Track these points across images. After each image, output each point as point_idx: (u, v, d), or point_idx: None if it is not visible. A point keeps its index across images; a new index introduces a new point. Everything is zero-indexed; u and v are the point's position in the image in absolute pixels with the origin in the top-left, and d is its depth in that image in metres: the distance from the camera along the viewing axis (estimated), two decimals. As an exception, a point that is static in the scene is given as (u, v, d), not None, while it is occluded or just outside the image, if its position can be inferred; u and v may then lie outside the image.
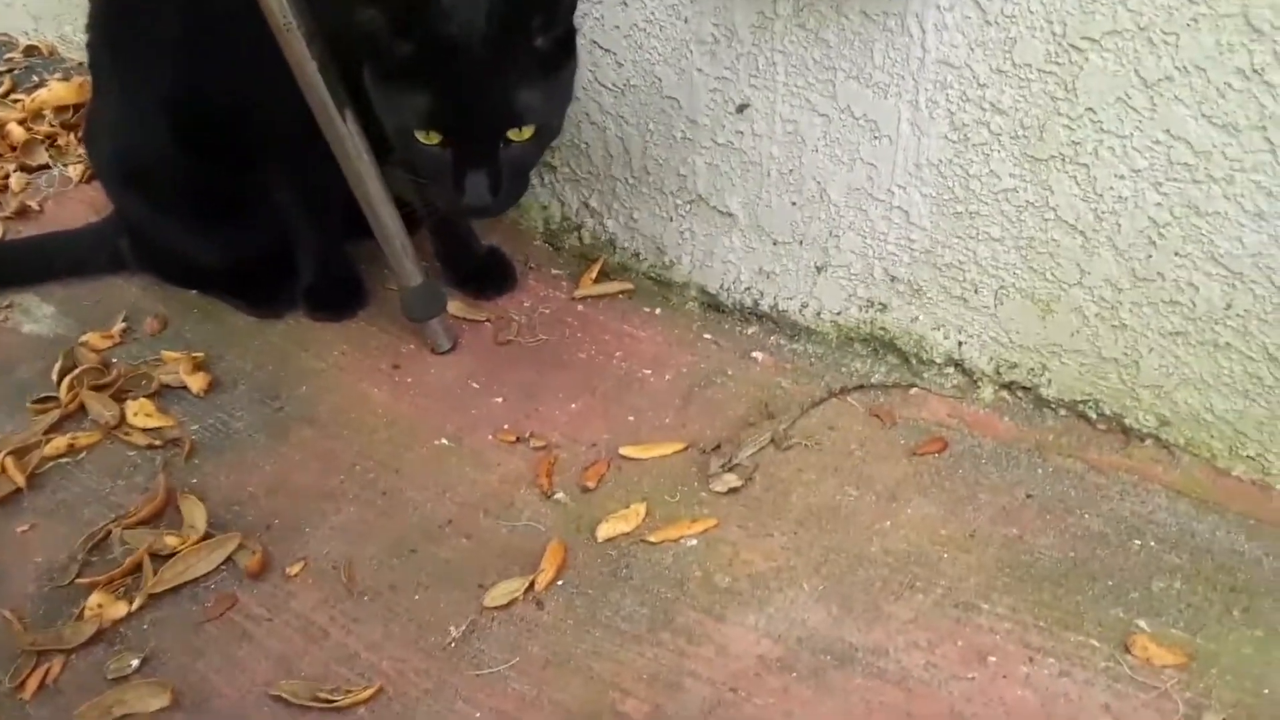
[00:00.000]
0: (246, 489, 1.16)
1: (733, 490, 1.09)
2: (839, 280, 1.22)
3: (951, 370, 1.17)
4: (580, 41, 1.15)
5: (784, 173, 1.19)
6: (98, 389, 1.29)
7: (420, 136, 1.04)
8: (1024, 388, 1.13)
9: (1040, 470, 1.07)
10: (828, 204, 1.18)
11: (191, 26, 1.20)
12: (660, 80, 1.25)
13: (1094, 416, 1.09)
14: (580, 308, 1.37)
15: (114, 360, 1.36)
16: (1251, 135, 0.90)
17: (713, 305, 1.34)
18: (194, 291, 1.46)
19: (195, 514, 1.11)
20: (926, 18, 1.02)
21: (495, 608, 1.00)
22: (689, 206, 1.31)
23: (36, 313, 1.47)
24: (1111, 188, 0.99)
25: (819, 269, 1.23)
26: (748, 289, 1.30)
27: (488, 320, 1.36)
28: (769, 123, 1.18)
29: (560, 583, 1.02)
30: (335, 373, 1.31)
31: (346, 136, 1.14)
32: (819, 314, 1.25)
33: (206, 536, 1.09)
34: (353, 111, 1.13)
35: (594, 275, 1.41)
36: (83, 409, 1.28)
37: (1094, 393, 1.09)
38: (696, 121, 1.24)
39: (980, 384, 1.15)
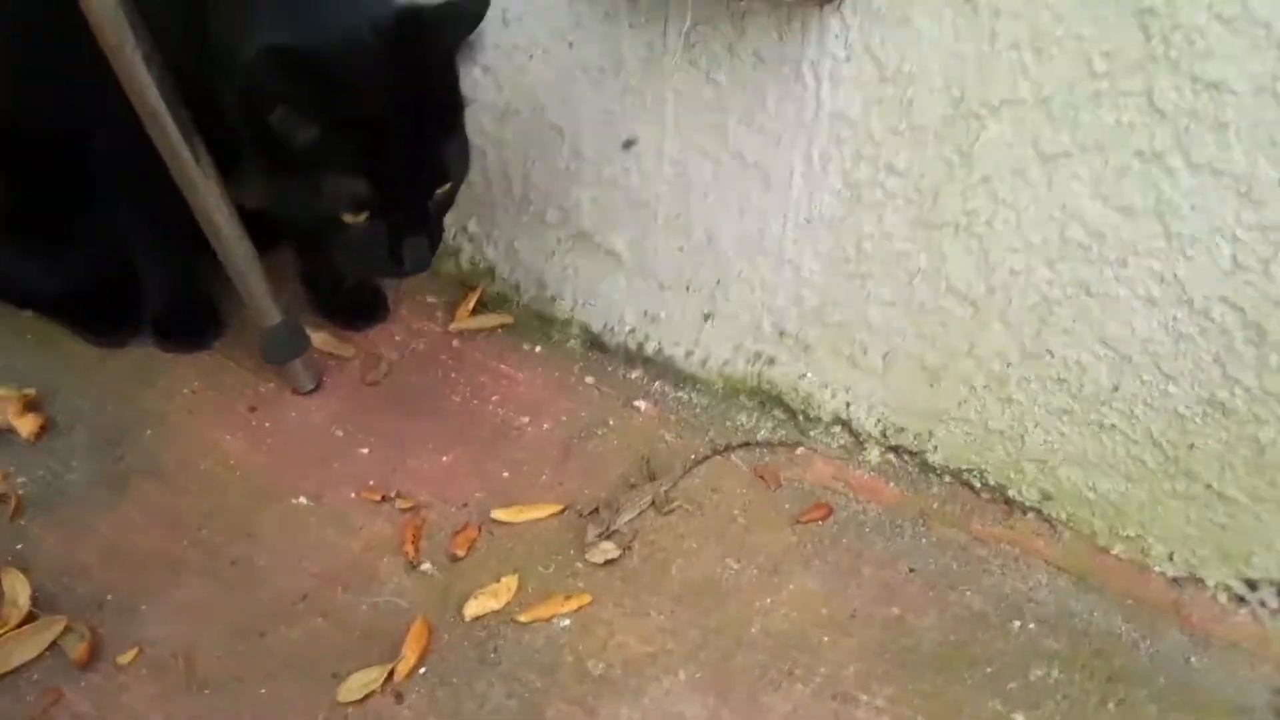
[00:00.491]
0: (78, 557, 1.05)
1: (610, 561, 1.04)
2: (726, 330, 1.16)
3: (838, 430, 1.13)
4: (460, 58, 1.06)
5: (671, 216, 1.13)
6: (-90, 432, 1.16)
7: (348, 218, 0.96)
8: (910, 452, 1.10)
9: (924, 540, 1.05)
10: (716, 251, 1.12)
11: (11, 41, 1.07)
12: (544, 106, 1.17)
13: (978, 486, 1.07)
14: (455, 343, 1.29)
15: (-66, 394, 1.23)
16: (1147, 219, 0.87)
17: (596, 345, 1.27)
18: (28, 312, 1.33)
19: (18, 589, 1.01)
20: (822, 67, 0.96)
21: (350, 703, 0.93)
22: (572, 241, 1.23)
23: None
24: (1004, 260, 0.95)
25: (706, 316, 1.17)
26: (632, 331, 1.24)
27: (355, 357, 1.27)
28: (656, 162, 1.11)
29: (423, 670, 0.96)
30: (184, 415, 1.20)
31: (192, 167, 1.04)
32: (705, 363, 1.20)
33: (30, 617, 0.98)
34: (198, 139, 1.02)
35: (471, 306, 1.32)
36: (-110, 457, 1.15)
37: (979, 462, 1.06)
38: (581, 153, 1.16)
39: (866, 446, 1.11)
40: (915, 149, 0.95)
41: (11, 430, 1.18)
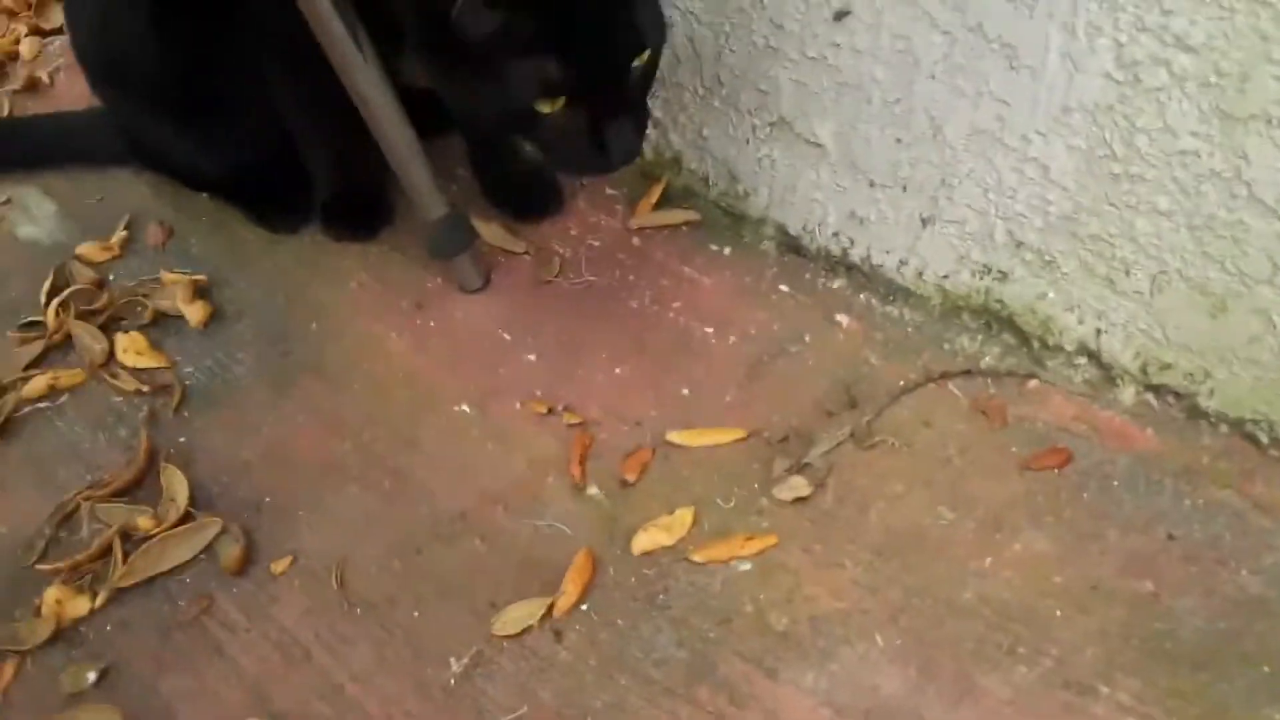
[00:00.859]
0: (239, 456, 1.01)
1: (800, 500, 0.90)
2: (949, 237, 0.98)
3: (1084, 362, 0.94)
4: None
5: (889, 101, 0.95)
6: (87, 316, 1.15)
7: (542, 108, 0.84)
8: (1176, 394, 0.90)
9: (1188, 502, 0.86)
10: (942, 145, 0.93)
11: None
12: (744, -31, 1.00)
13: (1265, 441, 0.87)
14: (636, 241, 1.16)
15: (110, 278, 1.21)
16: None
17: (793, 248, 1.11)
18: (204, 195, 1.29)
19: (177, 486, 0.97)
20: (1100, -94, 0.75)
21: (506, 636, 0.85)
22: (769, 130, 1.07)
23: (36, 212, 1.32)
24: (1335, 160, 0.73)
25: (925, 221, 0.99)
26: (836, 234, 1.07)
27: (526, 253, 1.16)
28: (874, 35, 0.93)
29: (585, 607, 0.86)
30: (350, 310, 1.13)
31: (346, 43, 0.93)
32: (921, 274, 1.02)
33: (186, 516, 0.95)
34: (352, 12, 0.91)
35: (654, 200, 1.19)
36: (69, 339, 1.13)
37: (1269, 412, 0.85)
38: (783, 27, 0.99)
39: (1120, 383, 0.92)
40: (1218, 18, 0.73)
41: (181, 316, 1.14)
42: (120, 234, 1.26)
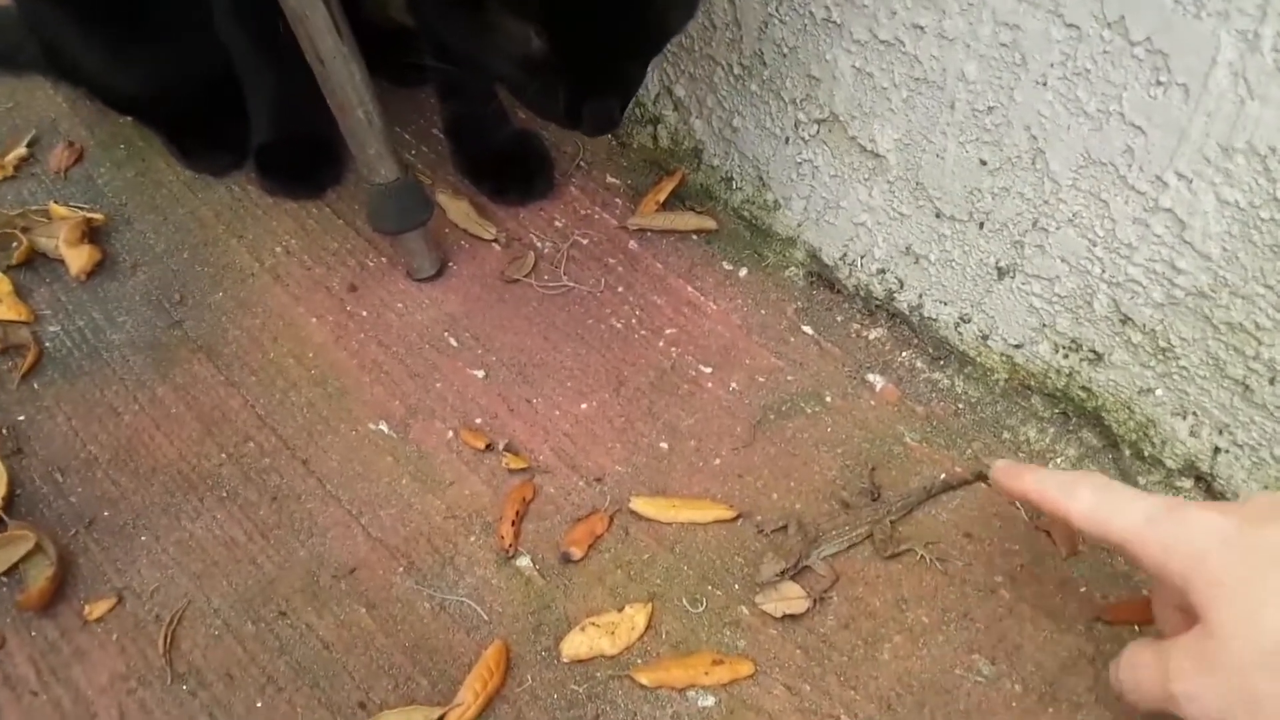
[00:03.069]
0: (85, 448, 0.79)
1: (791, 617, 0.68)
2: (1031, 296, 0.76)
3: (1189, 485, 0.72)
4: None
5: (978, 109, 0.72)
6: (-53, 244, 0.92)
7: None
8: (1312, 548, 0.67)
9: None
10: (1042, 175, 0.71)
11: None
12: (809, -83, 0.77)
13: None
14: (633, 244, 0.93)
15: (-8, 201, 0.99)
16: None
17: (825, 281, 0.89)
18: (129, 120, 1.07)
19: (-5, 479, 0.74)
20: None
21: (371, 756, 0.62)
22: (816, 128, 0.84)
23: (-72, 112, 1.10)
24: None
25: (1002, 271, 0.77)
26: (882, 271, 0.85)
27: (495, 241, 0.94)
28: (971, 21, 0.70)
29: (485, 728, 0.64)
30: (267, 279, 0.91)
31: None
32: (986, 338, 0.80)
33: (-3, 522, 0.72)
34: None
35: (662, 197, 0.96)
36: (-81, 270, 0.91)
37: None
38: (852, -3, 0.76)
39: (1235, 521, 0.69)
40: None
41: (61, 261, 0.92)
42: (19, 151, 1.04)
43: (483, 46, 0.67)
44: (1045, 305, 0.75)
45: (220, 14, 0.88)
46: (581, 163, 1.01)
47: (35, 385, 0.83)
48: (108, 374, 0.84)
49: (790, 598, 0.69)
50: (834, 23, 0.78)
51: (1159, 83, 0.63)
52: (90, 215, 0.95)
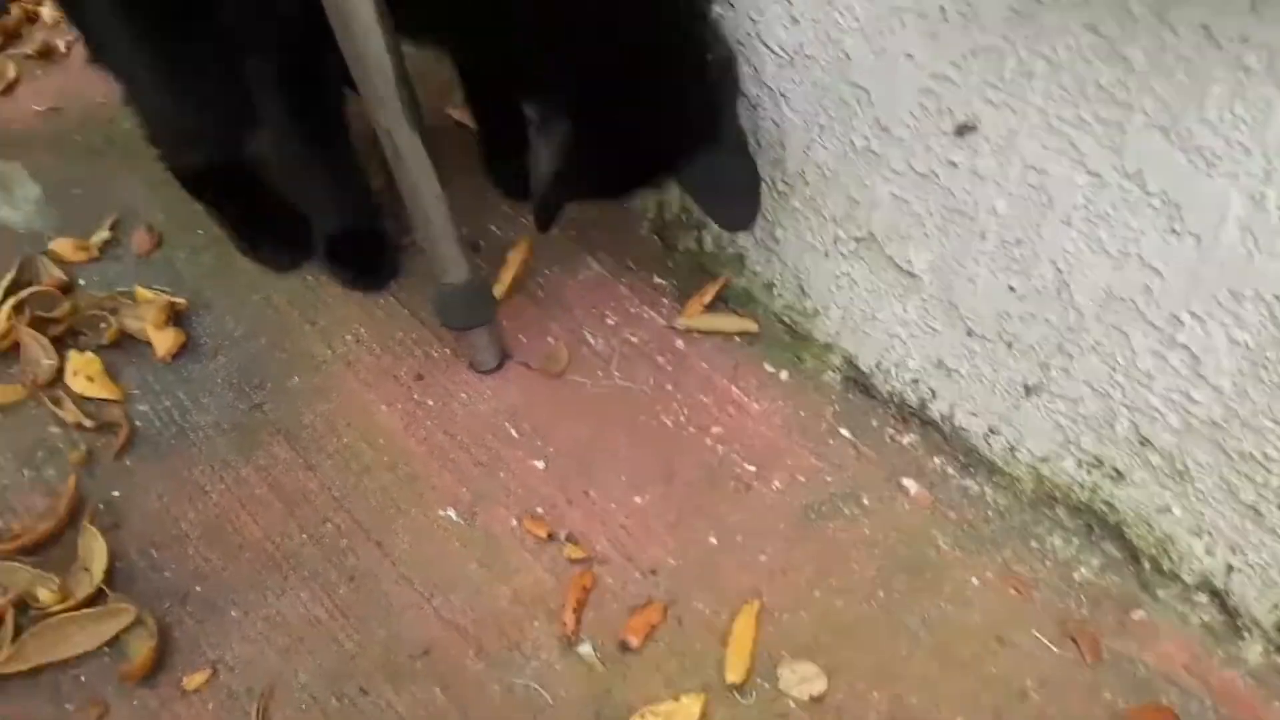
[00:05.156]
0: (177, 525, 0.85)
1: (816, 699, 0.74)
2: (1057, 414, 0.82)
3: (1205, 600, 0.78)
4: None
5: (1007, 240, 0.80)
6: (43, 324, 0.99)
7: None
8: (1315, 662, 0.73)
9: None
10: (1067, 305, 0.78)
11: None
12: (848, 58, 0.85)
13: None
14: (680, 344, 1.00)
15: (80, 283, 1.06)
16: None
17: (861, 386, 0.96)
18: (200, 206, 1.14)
19: (95, 554, 0.81)
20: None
21: (448, 830, 0.68)
22: (854, 245, 0.92)
23: (18, 193, 1.18)
24: None
25: (1029, 389, 0.84)
26: (915, 381, 0.92)
27: (550, 335, 1.00)
28: (1001, 160, 0.78)
29: (552, 807, 0.69)
30: (339, 367, 0.98)
31: (389, 82, 0.77)
32: (1014, 450, 0.87)
33: (98, 595, 0.79)
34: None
35: (707, 299, 1.03)
36: (16, 348, 0.97)
37: None
38: (890, 131, 0.84)
39: (1247, 635, 0.76)
40: None
41: (148, 342, 0.99)
42: (103, 234, 1.11)
43: None
44: (1070, 424, 0.82)
45: (274, 106, 0.93)
46: (630, 263, 1.08)
47: (128, 462, 0.89)
48: (195, 453, 0.90)
49: (809, 679, 0.74)
50: (873, 152, 0.86)
51: (1174, 231, 0.70)
52: (173, 299, 1.02)
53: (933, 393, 0.91)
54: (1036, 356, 0.82)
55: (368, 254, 1.04)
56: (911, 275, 0.88)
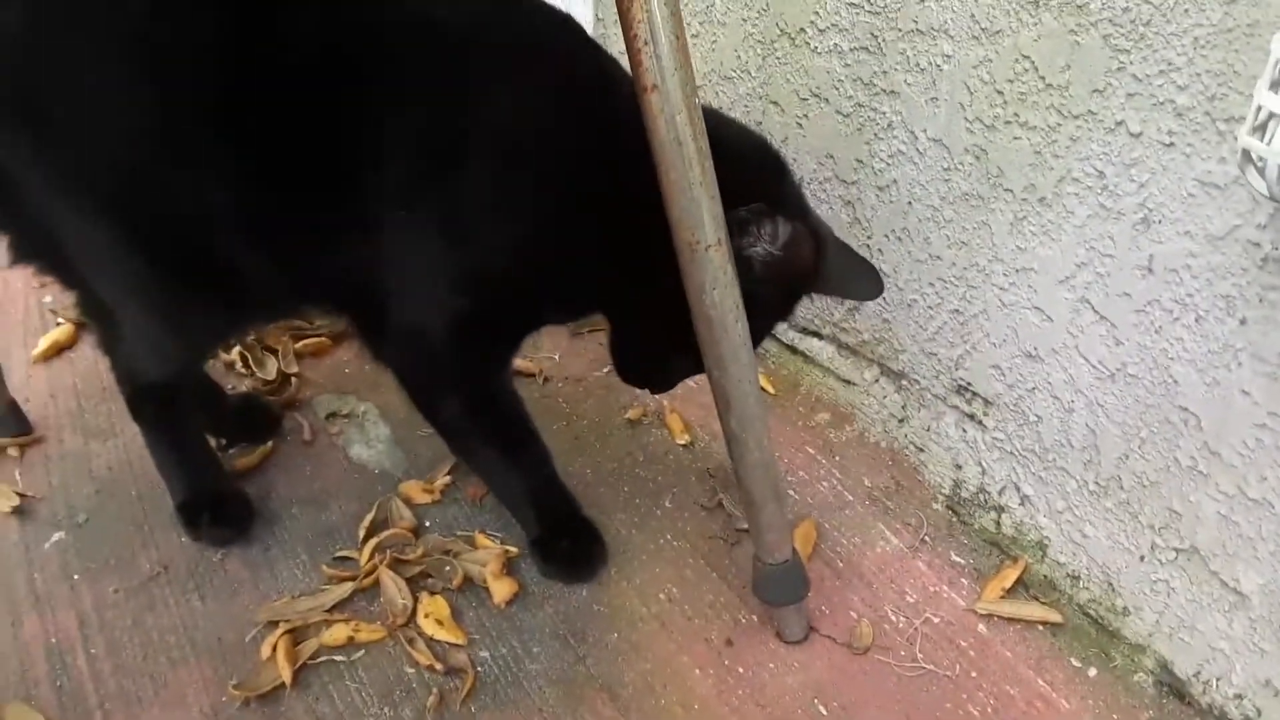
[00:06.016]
0: (518, 780, 0.93)
1: None
2: None
3: None
4: (1067, 298, 0.89)
5: (1356, 576, 0.79)
6: (399, 565, 1.13)
7: None
8: None
9: None
10: None
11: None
12: (1176, 383, 0.89)
13: None
14: (981, 628, 1.02)
15: (426, 524, 1.20)
16: None
17: (1176, 693, 0.95)
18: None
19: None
20: None
21: None
22: (1174, 554, 0.93)
23: (371, 433, 1.35)
24: None
25: (1378, 728, 0.81)
26: (1239, 697, 0.90)
27: (854, 610, 1.05)
28: (1348, 497, 0.78)
29: None
30: (655, 625, 1.06)
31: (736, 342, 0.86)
32: (1357, 789, 0.83)
33: (453, 844, 0.86)
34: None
35: (1008, 583, 1.06)
36: (376, 585, 1.11)
37: None
38: (1220, 455, 0.86)
39: None
40: None
41: (485, 588, 1.10)
42: (444, 479, 1.25)
43: None
44: None
45: (469, 433, 1.08)
46: (926, 535, 1.12)
47: (473, 708, 0.99)
48: (529, 705, 0.99)
49: None
50: (1200, 472, 0.88)
51: None
52: (508, 548, 1.14)
53: (1259, 711, 0.89)
54: (1386, 695, 0.80)
55: (575, 548, 1.13)
56: (1239, 594, 0.88)
